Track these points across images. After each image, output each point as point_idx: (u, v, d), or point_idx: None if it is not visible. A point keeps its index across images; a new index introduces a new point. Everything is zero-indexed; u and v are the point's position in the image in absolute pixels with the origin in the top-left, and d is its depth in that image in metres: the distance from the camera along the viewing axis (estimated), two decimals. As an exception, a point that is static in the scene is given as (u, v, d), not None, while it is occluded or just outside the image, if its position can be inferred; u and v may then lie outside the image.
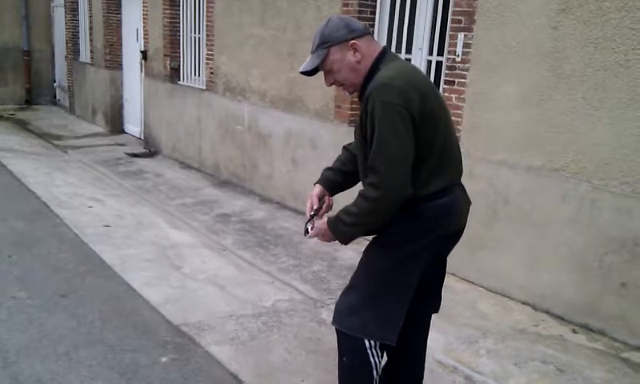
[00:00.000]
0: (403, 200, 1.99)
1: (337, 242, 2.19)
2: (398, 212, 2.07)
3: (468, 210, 2.28)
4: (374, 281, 2.18)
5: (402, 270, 2.15)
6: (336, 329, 2.26)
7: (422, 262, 2.18)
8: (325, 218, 2.21)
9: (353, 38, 2.11)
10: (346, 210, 2.08)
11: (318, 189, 2.41)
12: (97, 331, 3.31)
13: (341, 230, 2.12)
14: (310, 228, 2.27)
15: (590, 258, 3.62)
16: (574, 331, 3.64)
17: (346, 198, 2.27)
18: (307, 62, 2.19)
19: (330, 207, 2.42)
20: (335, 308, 2.28)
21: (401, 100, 1.94)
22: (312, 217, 2.33)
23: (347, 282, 2.32)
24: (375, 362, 2.21)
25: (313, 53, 2.18)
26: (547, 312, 3.86)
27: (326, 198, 2.41)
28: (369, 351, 2.19)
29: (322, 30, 2.16)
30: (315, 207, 2.36)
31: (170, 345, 3.22)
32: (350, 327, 2.19)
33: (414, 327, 2.39)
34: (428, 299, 2.43)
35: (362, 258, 2.27)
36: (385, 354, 2.38)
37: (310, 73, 2.22)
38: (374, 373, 2.23)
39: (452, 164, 2.17)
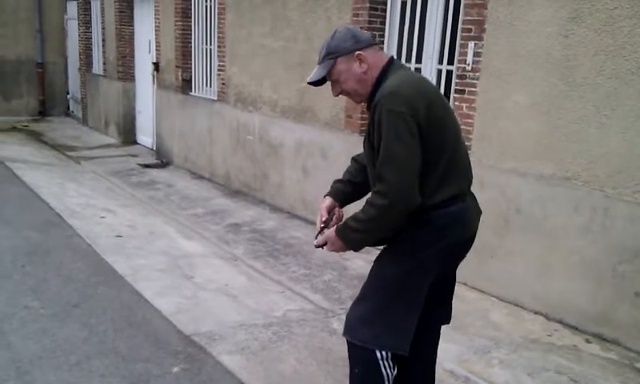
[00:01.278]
0: (411, 208, 1.99)
1: (346, 251, 2.19)
2: (407, 221, 2.07)
3: (479, 218, 2.27)
4: (385, 291, 2.18)
5: (411, 280, 2.15)
6: (347, 340, 2.25)
7: (432, 271, 2.17)
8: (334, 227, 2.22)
9: (358, 49, 2.13)
10: (353, 217, 2.08)
11: (327, 201, 2.42)
12: (109, 341, 3.32)
13: (349, 237, 2.12)
14: (324, 244, 2.27)
15: (603, 267, 3.59)
16: (588, 341, 3.61)
17: (356, 210, 2.27)
18: (314, 73, 2.21)
19: (339, 219, 2.41)
20: (346, 319, 2.28)
21: (407, 108, 1.95)
22: (322, 229, 2.33)
23: (358, 292, 2.31)
24: (387, 373, 2.20)
25: (320, 64, 2.20)
26: (560, 322, 3.82)
27: (336, 210, 2.42)
28: (380, 362, 2.18)
29: (329, 41, 2.18)
30: (324, 219, 2.37)
31: (181, 354, 3.23)
32: (361, 338, 2.18)
33: (424, 337, 2.38)
34: (438, 309, 2.42)
35: (372, 268, 2.27)
36: (395, 366, 2.37)
37: (317, 83, 2.24)
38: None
39: (461, 172, 2.17)
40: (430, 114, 1.99)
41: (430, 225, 2.09)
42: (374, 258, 2.28)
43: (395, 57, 2.39)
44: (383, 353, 2.18)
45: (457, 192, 2.12)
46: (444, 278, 2.34)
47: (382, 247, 2.25)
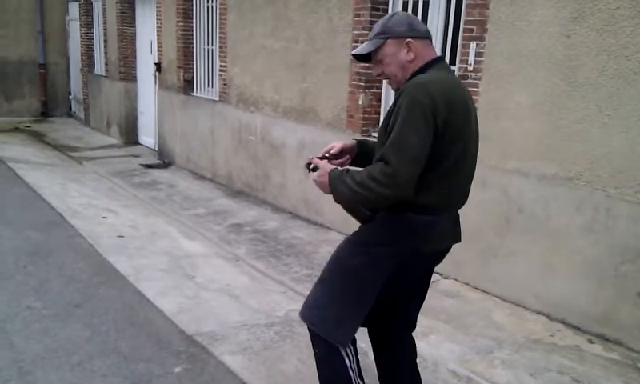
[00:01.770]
0: (402, 197, 1.99)
1: (326, 193, 2.16)
2: (383, 211, 2.11)
3: (452, 239, 2.25)
4: (341, 278, 2.22)
5: (364, 274, 2.17)
6: (309, 328, 2.29)
7: (386, 270, 2.17)
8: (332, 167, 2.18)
9: (411, 37, 2.12)
10: (352, 174, 2.05)
11: (349, 142, 2.38)
12: (111, 341, 3.33)
13: (338, 188, 2.08)
14: (313, 167, 2.21)
15: (605, 267, 3.59)
16: (590, 341, 3.60)
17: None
18: (362, 46, 2.21)
19: (343, 165, 2.35)
20: (305, 300, 2.33)
21: (430, 103, 1.94)
22: (323, 158, 2.28)
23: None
24: (348, 354, 2.25)
25: (368, 40, 2.19)
26: (563, 322, 3.82)
27: (347, 156, 2.37)
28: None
29: (385, 21, 2.17)
30: (333, 152, 2.32)
31: (183, 354, 3.23)
32: (311, 321, 2.25)
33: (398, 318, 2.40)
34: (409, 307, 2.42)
35: (334, 252, 2.30)
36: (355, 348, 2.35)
37: (361, 58, 2.24)
38: (348, 363, 2.25)
39: (452, 188, 2.13)
40: (448, 120, 1.97)
41: (400, 224, 2.10)
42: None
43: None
44: (347, 349, 2.24)
45: (438, 203, 2.10)
46: (413, 284, 2.33)
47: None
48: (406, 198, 2.03)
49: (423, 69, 2.12)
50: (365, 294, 2.20)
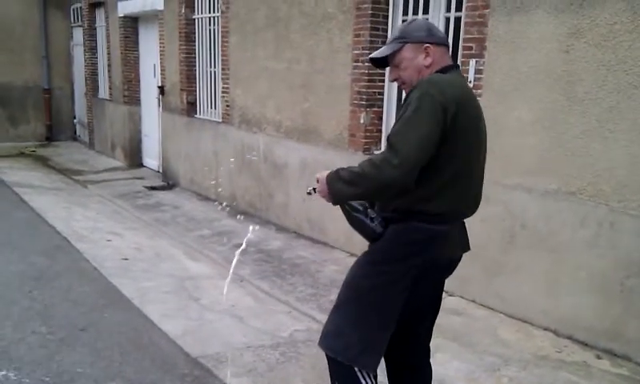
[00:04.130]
0: (402, 189, 1.96)
1: (328, 200, 2.14)
2: (394, 225, 2.07)
3: (462, 248, 2.24)
4: (357, 302, 2.16)
5: (383, 294, 2.12)
6: (328, 356, 2.23)
7: (405, 287, 2.12)
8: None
9: (429, 42, 2.12)
10: (349, 168, 2.04)
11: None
12: (116, 365, 3.32)
13: (334, 184, 2.06)
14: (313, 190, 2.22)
15: (611, 282, 3.57)
16: (598, 357, 3.57)
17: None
18: (380, 50, 2.22)
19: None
20: (323, 329, 2.26)
21: (442, 99, 1.94)
22: (313, 190, 2.28)
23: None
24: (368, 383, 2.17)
25: (388, 44, 2.20)
26: (570, 337, 3.79)
27: None
28: (359, 374, 2.15)
29: (404, 25, 2.20)
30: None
31: (188, 377, 3.22)
32: (333, 350, 2.17)
33: (412, 341, 2.36)
34: (423, 324, 2.39)
35: (347, 276, 2.25)
36: (376, 377, 2.30)
37: (378, 63, 2.25)
38: None
39: (464, 194, 2.12)
40: (457, 119, 1.96)
41: (409, 236, 2.07)
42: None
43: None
44: (365, 373, 2.15)
45: (449, 211, 2.08)
46: (428, 298, 2.30)
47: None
48: (410, 207, 2.01)
49: (439, 73, 2.12)
50: (386, 315, 2.14)
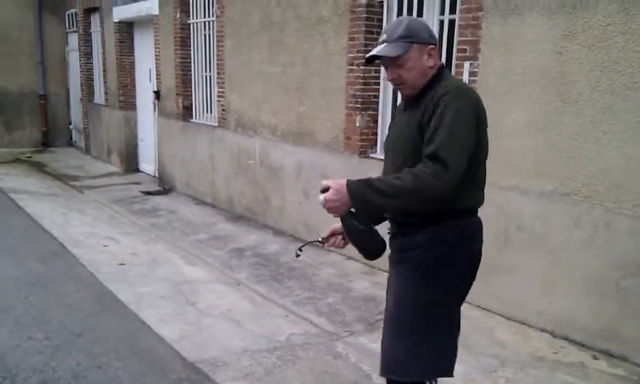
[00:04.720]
0: (447, 197, 1.93)
1: (341, 210, 2.00)
2: (428, 227, 2.06)
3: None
4: (423, 319, 2.10)
5: (443, 302, 2.11)
6: (391, 380, 2.19)
7: (460, 288, 2.16)
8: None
9: (433, 44, 2.13)
10: (383, 179, 1.95)
11: (337, 225, 2.32)
12: (112, 370, 3.31)
13: (365, 195, 1.93)
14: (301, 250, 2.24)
15: (607, 282, 3.58)
16: (595, 357, 3.58)
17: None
18: (386, 48, 2.07)
19: (337, 246, 2.37)
20: (386, 358, 2.18)
21: (474, 105, 2.03)
22: (317, 242, 2.28)
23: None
24: None
25: (390, 42, 2.07)
26: (566, 338, 3.79)
27: (340, 237, 2.34)
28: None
29: (408, 23, 2.09)
30: (324, 236, 2.34)
31: (185, 382, 3.22)
32: (413, 372, 2.11)
33: None
34: None
35: (395, 300, 2.17)
36: None
37: (370, 60, 2.16)
38: None
39: (482, 188, 2.19)
40: (482, 120, 2.07)
41: (450, 238, 2.08)
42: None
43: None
44: (433, 382, 2.16)
45: (475, 203, 2.16)
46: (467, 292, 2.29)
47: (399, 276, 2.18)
48: (446, 208, 2.02)
49: (438, 74, 2.13)
50: (449, 320, 2.15)
